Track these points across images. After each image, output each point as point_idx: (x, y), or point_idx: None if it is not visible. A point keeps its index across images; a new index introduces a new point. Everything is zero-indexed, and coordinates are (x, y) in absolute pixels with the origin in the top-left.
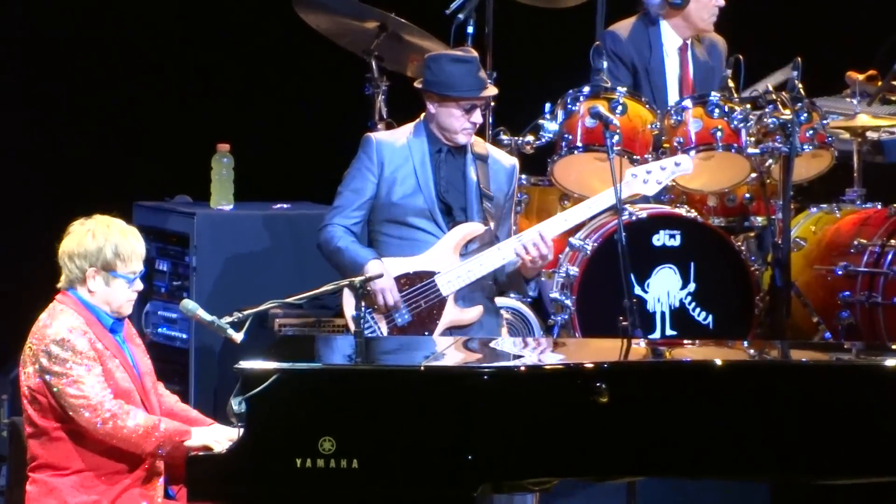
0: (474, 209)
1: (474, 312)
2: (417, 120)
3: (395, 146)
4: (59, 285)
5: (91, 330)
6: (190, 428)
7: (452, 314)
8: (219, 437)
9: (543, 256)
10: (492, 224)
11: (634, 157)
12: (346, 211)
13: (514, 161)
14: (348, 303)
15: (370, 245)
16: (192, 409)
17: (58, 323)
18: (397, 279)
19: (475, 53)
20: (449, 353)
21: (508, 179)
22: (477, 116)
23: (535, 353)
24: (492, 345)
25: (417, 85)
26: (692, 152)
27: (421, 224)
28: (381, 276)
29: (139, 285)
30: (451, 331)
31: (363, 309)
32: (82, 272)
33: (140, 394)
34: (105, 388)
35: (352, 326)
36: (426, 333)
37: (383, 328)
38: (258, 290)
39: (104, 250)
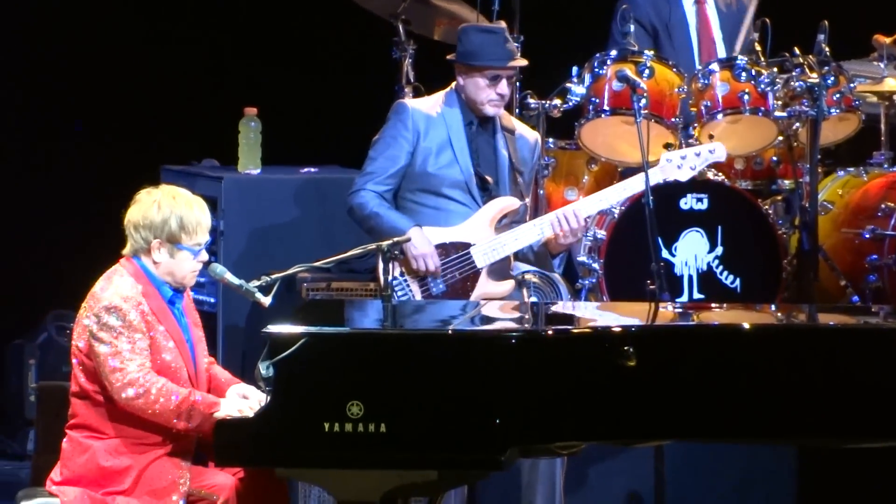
0: (507, 183)
1: (507, 286)
2: (448, 89)
3: (431, 116)
4: (124, 251)
5: (147, 300)
6: (219, 400)
7: (485, 287)
8: (244, 405)
9: (575, 233)
10: (526, 199)
11: (662, 119)
12: (380, 177)
13: (536, 135)
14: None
15: (398, 210)
16: (232, 378)
17: (113, 289)
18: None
19: (503, 24)
20: (477, 316)
21: (531, 154)
22: (503, 87)
23: (563, 316)
24: (520, 308)
25: (450, 57)
26: (719, 116)
27: (456, 195)
28: (408, 239)
29: (204, 256)
30: (483, 301)
31: (400, 274)
32: (147, 243)
33: (188, 369)
34: (145, 362)
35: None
36: None
37: (417, 295)
38: (285, 253)
39: (169, 222)
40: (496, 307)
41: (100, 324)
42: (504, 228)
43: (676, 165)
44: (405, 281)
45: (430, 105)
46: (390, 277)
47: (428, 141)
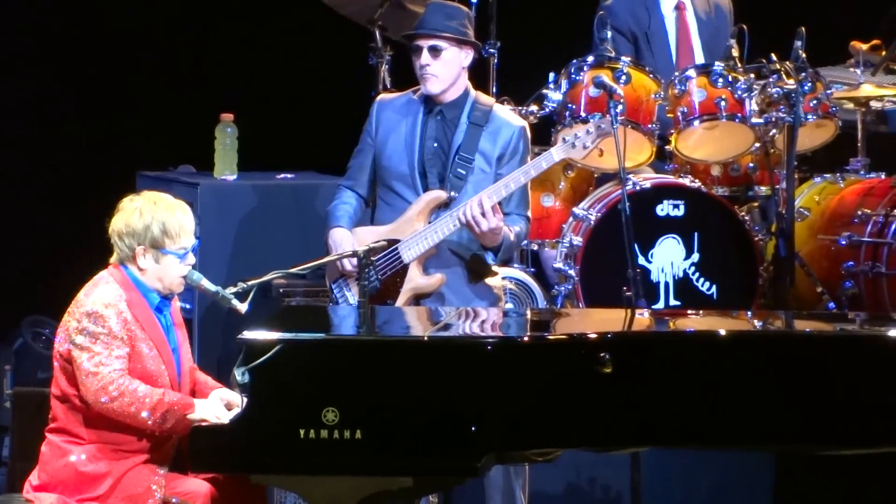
0: (448, 175)
1: (435, 280)
2: None
3: (395, 107)
4: (112, 260)
5: (131, 308)
6: (193, 400)
7: (414, 281)
8: (222, 409)
9: (481, 223)
10: (464, 190)
11: (638, 126)
12: (351, 173)
13: (518, 124)
14: (329, 272)
15: (374, 209)
16: (205, 377)
17: (95, 295)
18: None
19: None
20: (454, 323)
21: (504, 144)
22: (424, 58)
23: (539, 323)
24: (496, 315)
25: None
26: (696, 122)
27: (401, 189)
28: (384, 244)
29: (191, 259)
30: (415, 298)
31: (340, 277)
32: (132, 250)
33: (171, 375)
34: (121, 368)
35: (330, 296)
36: (389, 301)
37: (355, 295)
38: (262, 259)
39: (151, 228)
40: (473, 314)
41: (80, 329)
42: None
43: (571, 144)
44: (343, 282)
45: (403, 96)
46: (332, 280)
47: (384, 134)
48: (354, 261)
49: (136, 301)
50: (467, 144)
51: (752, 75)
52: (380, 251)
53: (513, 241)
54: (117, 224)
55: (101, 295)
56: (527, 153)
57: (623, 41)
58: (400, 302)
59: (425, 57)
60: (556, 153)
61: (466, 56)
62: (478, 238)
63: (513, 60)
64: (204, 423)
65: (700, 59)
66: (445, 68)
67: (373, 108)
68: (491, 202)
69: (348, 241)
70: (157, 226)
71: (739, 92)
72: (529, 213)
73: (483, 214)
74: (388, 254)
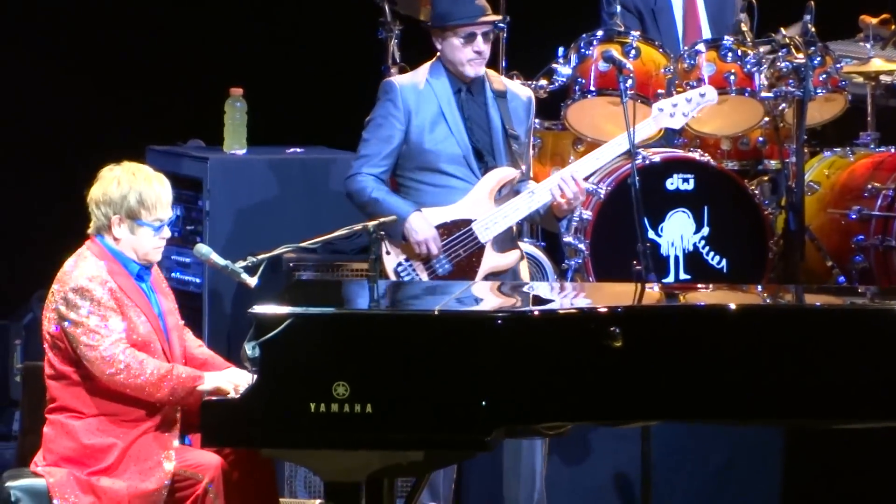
0: (502, 151)
1: (512, 257)
2: (433, 60)
3: (419, 90)
4: (89, 231)
5: (113, 278)
6: (202, 373)
7: (491, 260)
8: (232, 381)
9: (577, 197)
10: (522, 166)
11: (647, 100)
12: (375, 160)
13: (529, 93)
14: (388, 256)
15: (400, 193)
16: (217, 357)
17: (79, 270)
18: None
19: None
20: (465, 297)
21: (527, 113)
22: (479, 45)
23: (552, 297)
24: (508, 289)
25: (424, 21)
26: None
27: (455, 171)
28: (394, 219)
29: (166, 233)
30: (489, 276)
31: (405, 259)
32: (107, 220)
33: (162, 343)
34: (120, 338)
35: (393, 278)
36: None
37: (425, 278)
38: (271, 234)
39: (128, 198)
40: (483, 287)
41: (69, 306)
42: (503, 199)
43: (669, 114)
44: (410, 265)
45: (417, 79)
46: (396, 263)
47: (420, 117)
48: (439, 244)
49: (117, 270)
50: (507, 119)
51: (762, 49)
52: (389, 225)
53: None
54: (95, 192)
55: (83, 270)
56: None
57: (630, 18)
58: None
59: (480, 44)
60: (654, 123)
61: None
62: (555, 210)
63: (522, 35)
64: (214, 398)
65: (707, 34)
66: (490, 48)
67: (394, 92)
68: (582, 175)
69: (429, 227)
70: (133, 196)
71: (749, 66)
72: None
73: (574, 189)
74: (461, 235)
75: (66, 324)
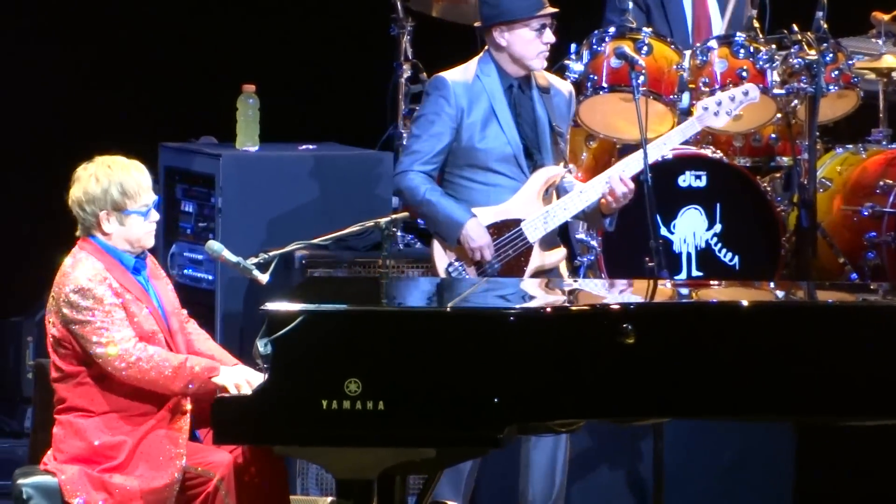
0: (549, 148)
1: (558, 255)
2: (480, 55)
3: (470, 86)
4: (77, 234)
5: (111, 274)
6: (218, 365)
7: (538, 259)
8: (247, 377)
9: (626, 196)
10: (569, 165)
11: (660, 96)
12: (426, 157)
13: (570, 87)
14: (440, 256)
15: (446, 189)
16: (218, 348)
17: (77, 271)
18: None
19: None
20: (477, 294)
21: (568, 108)
22: (549, 36)
23: (562, 294)
24: (521, 285)
25: (478, 24)
26: (718, 92)
27: (504, 169)
28: (406, 215)
29: (155, 216)
30: (536, 275)
31: (456, 260)
32: (95, 217)
33: (165, 334)
34: (129, 333)
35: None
36: None
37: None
38: (284, 231)
39: (110, 191)
40: (496, 284)
41: (73, 308)
42: (550, 198)
43: (713, 112)
44: (461, 266)
45: (467, 75)
46: (447, 263)
47: (473, 115)
48: (493, 250)
49: (114, 266)
50: (552, 116)
51: (774, 46)
52: (400, 222)
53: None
54: (76, 194)
55: (81, 270)
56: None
57: (636, 11)
58: None
59: (550, 35)
60: (698, 122)
61: None
62: (603, 208)
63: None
64: (226, 395)
65: (717, 26)
66: None
67: (446, 89)
68: (630, 174)
69: (485, 234)
70: (115, 188)
71: (761, 62)
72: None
73: (624, 189)
74: (510, 236)
75: (73, 326)
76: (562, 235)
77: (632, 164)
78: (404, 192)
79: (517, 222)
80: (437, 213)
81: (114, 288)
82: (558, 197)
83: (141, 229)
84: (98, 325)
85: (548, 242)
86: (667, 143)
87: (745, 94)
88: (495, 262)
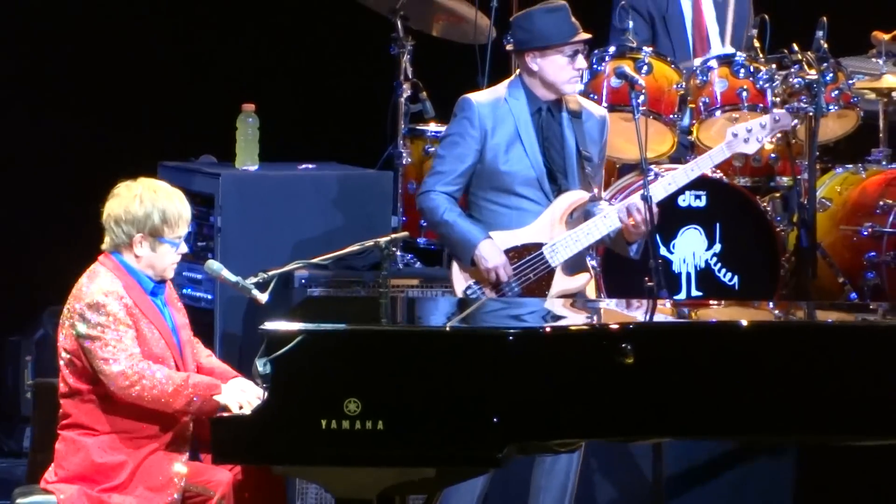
0: (575, 173)
1: (582, 280)
2: (511, 78)
3: (497, 109)
4: (104, 247)
5: (128, 294)
6: (220, 383)
7: (561, 284)
8: (248, 392)
9: (646, 221)
10: (595, 189)
11: (660, 116)
12: (449, 178)
13: (604, 112)
14: (458, 278)
15: (470, 211)
16: (220, 364)
17: (94, 286)
18: (505, 252)
19: (563, 1)
20: (478, 313)
21: (600, 133)
22: (581, 62)
23: (561, 313)
24: (520, 304)
25: (510, 47)
26: (718, 112)
27: (528, 193)
28: (406, 235)
29: (184, 248)
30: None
31: (475, 283)
32: (129, 238)
33: (176, 359)
34: (135, 352)
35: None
36: None
37: None
38: (283, 250)
39: (152, 216)
40: (495, 303)
41: (84, 322)
42: (575, 222)
43: (743, 139)
44: (480, 289)
45: (495, 97)
46: (466, 286)
47: (497, 137)
48: (509, 271)
49: (132, 286)
50: (581, 141)
51: (774, 65)
52: (399, 241)
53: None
54: (115, 209)
55: (98, 285)
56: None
57: (642, 23)
58: None
59: (582, 61)
60: (727, 148)
61: None
62: (626, 234)
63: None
64: (225, 414)
65: (715, 44)
66: None
67: (471, 111)
68: (655, 200)
69: (499, 255)
70: (157, 214)
71: (761, 82)
72: None
73: (641, 216)
74: (531, 260)
75: (82, 339)
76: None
77: (655, 191)
78: (425, 211)
79: (538, 246)
80: (453, 234)
81: (128, 306)
82: (585, 221)
83: (169, 260)
84: (107, 341)
85: (572, 267)
86: (695, 169)
87: (776, 120)
88: (515, 286)
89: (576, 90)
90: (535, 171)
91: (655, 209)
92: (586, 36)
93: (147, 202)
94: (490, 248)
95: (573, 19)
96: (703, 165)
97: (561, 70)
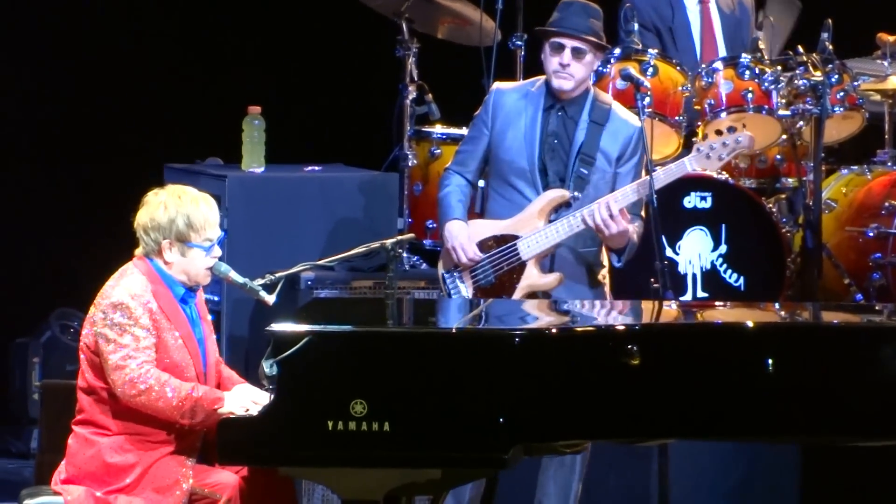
0: (571, 174)
1: (552, 279)
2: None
3: (514, 98)
4: (137, 252)
5: (157, 299)
6: (223, 394)
7: (531, 279)
8: (251, 403)
9: (609, 226)
10: (587, 190)
11: (665, 118)
12: (462, 158)
13: (637, 124)
14: (442, 262)
15: (485, 199)
16: (226, 370)
17: (121, 287)
18: (484, 241)
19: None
20: (483, 315)
21: (624, 143)
22: (565, 57)
23: (568, 314)
24: (527, 306)
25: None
26: (723, 114)
27: (520, 185)
28: (412, 236)
29: (217, 252)
30: (528, 296)
31: (454, 267)
32: (157, 244)
33: (197, 367)
34: (148, 360)
35: (441, 286)
36: (504, 297)
37: (469, 288)
38: (290, 252)
39: (176, 222)
40: (502, 305)
41: (106, 320)
42: (558, 221)
43: (705, 155)
44: (458, 274)
45: (521, 88)
46: (444, 270)
47: (503, 126)
48: (472, 254)
49: (162, 293)
50: (589, 143)
51: (779, 67)
52: (406, 243)
53: (635, 242)
54: (142, 218)
55: (126, 287)
56: (643, 153)
57: (649, 35)
58: (515, 297)
59: (567, 57)
60: (689, 163)
61: (598, 58)
62: (604, 240)
63: (539, 52)
64: (232, 416)
65: (723, 53)
66: (583, 70)
67: (489, 96)
68: (618, 206)
69: (464, 234)
70: (181, 219)
71: (766, 84)
72: (643, 213)
73: (612, 218)
74: (505, 249)
75: (100, 338)
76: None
77: (621, 196)
78: (438, 187)
79: (514, 238)
80: (439, 211)
81: (152, 311)
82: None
83: (201, 264)
84: (122, 345)
85: (543, 264)
86: (664, 178)
87: (738, 141)
88: (490, 274)
89: (562, 86)
90: (528, 163)
91: (615, 214)
92: (572, 32)
93: (171, 208)
94: (457, 227)
95: (585, 19)
96: (668, 175)
97: (546, 60)
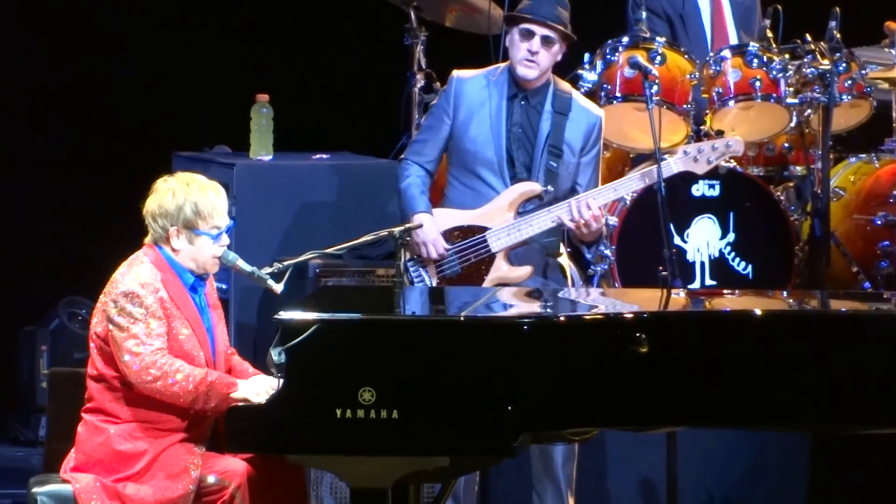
0: (539, 166)
1: (522, 272)
2: (508, 61)
3: (477, 87)
4: (146, 241)
5: (166, 288)
6: (236, 380)
7: (500, 271)
8: (266, 388)
9: (589, 224)
10: (557, 183)
11: (673, 106)
12: (420, 147)
13: (597, 114)
14: (404, 253)
15: (447, 189)
16: (238, 359)
17: (131, 276)
18: (450, 231)
19: None
20: (491, 302)
21: (586, 134)
22: (534, 45)
23: (576, 302)
24: (535, 294)
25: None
26: (731, 102)
27: (486, 176)
28: (420, 225)
29: (225, 240)
30: (498, 287)
31: (417, 258)
32: (165, 231)
33: (206, 355)
34: (162, 347)
35: (404, 275)
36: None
37: (432, 278)
38: (297, 240)
39: (184, 209)
40: (511, 293)
41: (118, 309)
42: (528, 213)
43: (693, 158)
44: (422, 264)
45: (482, 75)
46: (407, 259)
47: (465, 115)
48: (441, 249)
49: (171, 281)
50: (555, 135)
51: (787, 56)
52: (413, 231)
53: (604, 233)
54: (151, 205)
55: (136, 275)
56: (601, 144)
57: (659, 22)
58: None
59: (536, 44)
60: (674, 164)
61: (563, 49)
62: (577, 235)
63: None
64: (241, 404)
65: (734, 40)
66: (549, 59)
67: (450, 84)
68: (597, 204)
69: (433, 229)
70: (189, 206)
71: (774, 72)
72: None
73: (593, 217)
74: (473, 241)
75: (111, 326)
76: (575, 245)
77: (600, 194)
78: (396, 177)
79: (483, 229)
80: (401, 202)
81: (162, 300)
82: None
83: (209, 252)
84: (133, 333)
85: (518, 257)
86: (642, 178)
87: (728, 146)
88: (456, 264)
89: (527, 75)
90: (496, 154)
91: (598, 212)
92: (550, 23)
93: (179, 195)
94: (426, 222)
95: (555, 8)
96: (649, 176)
97: (514, 47)
